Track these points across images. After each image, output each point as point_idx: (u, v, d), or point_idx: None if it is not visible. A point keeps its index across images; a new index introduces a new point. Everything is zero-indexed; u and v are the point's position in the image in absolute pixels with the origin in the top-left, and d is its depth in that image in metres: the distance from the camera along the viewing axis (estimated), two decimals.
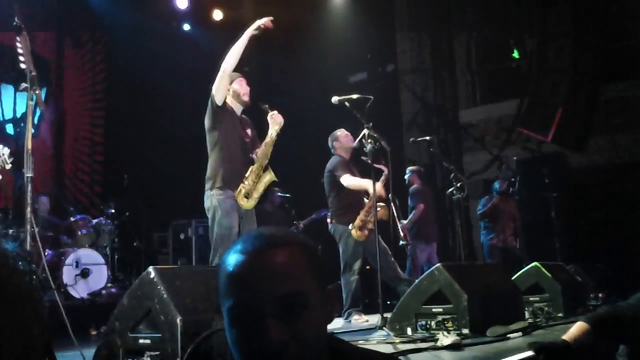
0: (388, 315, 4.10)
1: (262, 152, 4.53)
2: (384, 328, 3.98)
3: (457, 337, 3.30)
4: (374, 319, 4.20)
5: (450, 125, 10.49)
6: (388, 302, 5.44)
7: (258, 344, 0.97)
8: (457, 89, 10.90)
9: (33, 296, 0.78)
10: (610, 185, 9.16)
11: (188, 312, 2.48)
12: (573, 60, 9.91)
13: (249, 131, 4.66)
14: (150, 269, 2.60)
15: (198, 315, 2.51)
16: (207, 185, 4.40)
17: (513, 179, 7.67)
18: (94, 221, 7.36)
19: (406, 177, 7.59)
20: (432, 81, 10.52)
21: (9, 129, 8.80)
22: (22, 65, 3.21)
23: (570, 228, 8.47)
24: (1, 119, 8.77)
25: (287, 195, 7.68)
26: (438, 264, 3.97)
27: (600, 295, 6.32)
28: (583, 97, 9.98)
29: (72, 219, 7.24)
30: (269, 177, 4.48)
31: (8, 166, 3.47)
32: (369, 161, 5.63)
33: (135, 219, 8.54)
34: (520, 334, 3.70)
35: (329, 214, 5.73)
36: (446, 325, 3.70)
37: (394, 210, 6.16)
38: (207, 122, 4.49)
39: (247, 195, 4.39)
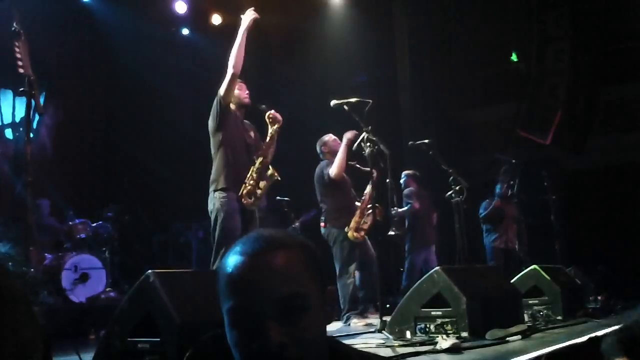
0: (387, 318, 4.11)
1: (263, 151, 4.56)
2: (383, 331, 3.98)
3: (457, 341, 3.30)
4: (373, 323, 4.20)
5: (450, 128, 10.50)
6: (387, 306, 5.44)
7: (257, 346, 0.97)
8: (456, 92, 10.91)
9: (25, 299, 0.78)
10: (610, 188, 9.17)
11: (187, 316, 2.48)
12: (572, 62, 9.92)
13: (252, 134, 4.70)
14: (150, 272, 2.60)
15: (197, 319, 2.51)
16: (211, 187, 4.43)
17: (512, 182, 7.67)
18: (93, 225, 7.36)
19: (402, 181, 7.62)
20: (431, 84, 10.52)
21: (8, 133, 8.80)
22: (21, 70, 3.22)
23: (570, 230, 8.47)
24: (0, 124, 8.77)
25: (286, 198, 7.68)
26: (437, 267, 3.97)
27: (599, 297, 6.32)
28: (582, 99, 10.00)
29: (71, 223, 7.24)
30: (270, 175, 4.50)
31: None
32: (357, 166, 5.74)
33: (134, 223, 8.54)
34: (519, 337, 3.70)
35: (322, 218, 5.76)
36: (445, 328, 3.71)
37: (394, 198, 6.20)
38: (211, 124, 4.52)
39: (250, 195, 4.41)
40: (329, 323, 1.02)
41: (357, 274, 5.70)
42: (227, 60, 4.45)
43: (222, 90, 4.44)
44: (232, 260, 1.02)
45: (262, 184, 4.47)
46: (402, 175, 7.67)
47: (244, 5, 9.36)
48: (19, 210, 6.15)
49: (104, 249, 7.36)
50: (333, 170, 5.57)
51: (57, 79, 9.24)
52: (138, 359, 2.51)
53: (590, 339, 3.31)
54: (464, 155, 9.85)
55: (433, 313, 3.80)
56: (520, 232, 7.73)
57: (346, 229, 5.58)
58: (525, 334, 3.77)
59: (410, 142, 6.13)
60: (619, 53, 9.80)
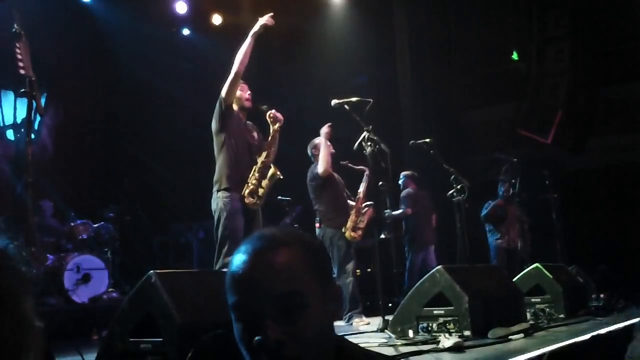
0: (389, 317, 4.10)
1: (264, 151, 4.57)
2: (385, 330, 3.99)
3: (459, 339, 3.29)
4: (376, 322, 4.20)
5: (450, 128, 10.50)
6: (389, 305, 5.44)
7: (257, 342, 0.98)
8: (456, 92, 10.91)
9: (13, 298, 0.78)
10: (611, 187, 9.17)
11: (188, 316, 2.48)
12: (572, 62, 9.92)
13: (254, 134, 4.72)
14: (151, 273, 2.60)
15: (198, 319, 2.51)
16: (214, 187, 4.45)
17: (513, 181, 7.68)
18: (95, 226, 7.36)
19: (400, 182, 7.63)
20: (432, 84, 10.52)
21: (10, 134, 8.81)
22: (22, 71, 3.22)
23: (571, 229, 8.47)
24: (1, 125, 8.78)
25: (288, 198, 7.69)
26: (439, 266, 3.97)
27: (601, 296, 6.31)
28: (582, 99, 10.00)
29: (72, 224, 7.25)
30: (272, 174, 4.50)
31: None
32: (350, 165, 5.88)
33: (135, 223, 8.54)
34: (521, 335, 3.70)
35: (317, 219, 5.78)
36: (447, 327, 3.71)
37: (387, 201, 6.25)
38: (214, 125, 4.53)
39: (253, 195, 4.42)
40: (335, 321, 1.03)
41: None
42: (232, 61, 4.46)
43: (223, 91, 4.45)
44: (236, 258, 1.05)
45: (264, 183, 4.49)
46: (401, 176, 7.68)
47: (243, 6, 9.41)
48: (20, 211, 6.16)
49: (106, 249, 7.36)
50: (319, 167, 5.61)
51: (57, 80, 9.24)
52: (140, 359, 2.51)
53: (592, 337, 3.31)
54: (465, 155, 9.86)
55: (435, 312, 3.80)
56: (524, 232, 7.73)
57: (343, 229, 5.62)
58: (527, 333, 3.77)
59: (411, 142, 6.14)
60: (619, 53, 9.80)
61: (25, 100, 3.21)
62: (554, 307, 4.88)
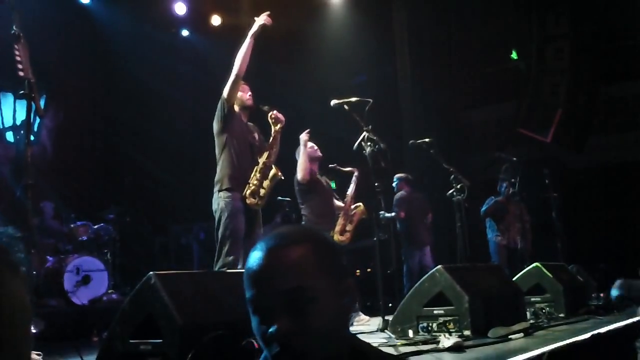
0: (389, 317, 4.10)
1: (266, 152, 4.58)
2: (385, 330, 3.98)
3: (459, 339, 3.29)
4: (376, 322, 4.20)
5: (450, 127, 10.50)
6: (390, 305, 5.44)
7: (269, 334, 1.06)
8: (456, 91, 10.91)
9: (9, 276, 0.79)
10: (611, 186, 9.17)
11: (189, 317, 2.47)
12: (572, 61, 9.92)
13: (256, 135, 4.72)
14: (151, 274, 2.60)
15: (199, 320, 2.51)
16: (215, 188, 4.45)
17: (513, 180, 7.67)
18: (95, 227, 7.36)
19: (394, 184, 7.67)
20: (432, 83, 10.52)
21: (9, 136, 8.81)
22: (21, 73, 3.22)
23: (572, 228, 8.46)
24: (1, 127, 8.78)
25: (288, 199, 7.69)
26: (439, 266, 3.96)
27: (602, 295, 6.31)
28: (582, 97, 10.00)
29: (72, 225, 7.24)
30: (273, 175, 4.51)
31: None
32: (338, 167, 5.92)
33: (135, 224, 8.54)
34: (522, 334, 3.70)
35: (303, 223, 5.78)
36: (448, 327, 3.70)
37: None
38: (215, 125, 4.53)
39: (254, 195, 4.43)
40: (348, 314, 1.06)
41: None
42: (233, 62, 4.46)
43: (225, 92, 4.45)
44: (252, 255, 1.12)
45: (265, 183, 4.49)
46: (395, 179, 7.72)
47: (243, 6, 9.41)
48: (20, 213, 6.15)
49: (106, 250, 7.36)
50: (298, 174, 5.63)
51: (57, 82, 9.25)
52: None
53: (592, 336, 3.31)
54: (465, 154, 9.86)
55: (435, 312, 3.80)
56: (525, 231, 7.73)
57: (331, 233, 5.62)
58: (527, 332, 3.77)
59: (410, 141, 6.14)
60: (618, 51, 9.80)
61: (24, 101, 3.21)
62: (554, 306, 4.87)
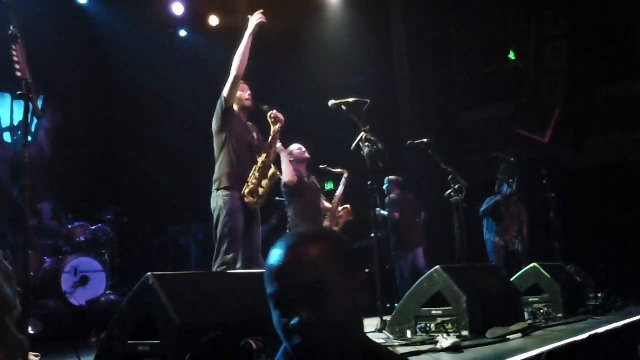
0: (387, 318, 4.10)
1: (265, 151, 4.58)
2: (383, 331, 3.98)
3: (457, 339, 3.29)
4: (374, 322, 4.20)
5: (448, 127, 10.50)
6: (387, 305, 5.44)
7: (290, 326, 1.15)
8: (454, 91, 10.91)
9: None
10: (609, 185, 9.18)
11: (187, 317, 2.47)
12: (570, 61, 9.93)
13: (254, 134, 4.73)
14: (149, 275, 2.60)
15: (197, 320, 2.51)
16: (214, 186, 4.46)
17: (511, 180, 7.68)
18: (92, 228, 7.35)
19: (384, 187, 7.72)
20: (429, 83, 10.52)
21: (6, 137, 8.80)
22: (18, 73, 3.21)
23: (569, 228, 8.47)
24: None
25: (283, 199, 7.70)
26: (437, 266, 3.96)
27: (600, 295, 6.32)
28: (580, 97, 10.01)
29: (70, 226, 7.23)
30: (272, 174, 4.51)
31: None
32: (328, 168, 5.95)
33: (133, 225, 8.53)
34: (520, 334, 3.70)
35: (288, 226, 5.79)
36: (446, 327, 3.70)
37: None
38: (214, 125, 4.54)
39: (252, 194, 4.43)
40: (362, 308, 1.13)
41: None
42: (231, 62, 4.46)
43: (225, 92, 4.46)
44: (273, 253, 1.21)
45: (264, 182, 4.50)
46: (385, 181, 7.76)
47: (240, 6, 9.41)
48: (17, 213, 6.15)
49: (103, 251, 7.35)
50: (283, 178, 5.60)
51: (54, 82, 9.24)
52: None
53: (590, 336, 3.31)
54: (462, 155, 9.87)
55: (433, 312, 3.80)
56: (522, 231, 7.74)
57: None
58: (525, 332, 3.77)
59: (408, 142, 6.13)
60: (616, 51, 9.81)
61: (22, 102, 3.21)
62: (552, 306, 4.88)
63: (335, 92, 5.20)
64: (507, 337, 3.60)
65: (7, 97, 8.62)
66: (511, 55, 10.40)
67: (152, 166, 9.89)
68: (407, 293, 4.06)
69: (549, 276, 5.02)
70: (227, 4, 9.81)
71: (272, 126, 4.69)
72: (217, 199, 4.39)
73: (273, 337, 2.43)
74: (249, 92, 4.67)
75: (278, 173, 4.61)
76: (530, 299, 4.93)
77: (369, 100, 4.77)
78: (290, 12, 9.18)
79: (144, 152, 9.91)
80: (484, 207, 7.78)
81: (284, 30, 9.06)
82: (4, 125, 8.79)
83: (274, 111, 4.70)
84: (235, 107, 4.59)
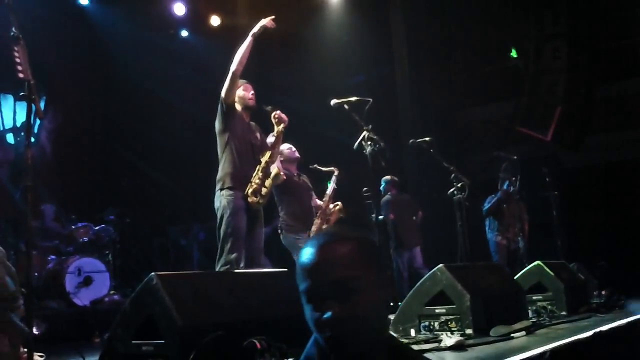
0: (391, 317, 4.10)
1: (268, 151, 4.59)
2: None
3: (461, 338, 3.29)
4: None
5: (450, 126, 10.49)
6: (391, 304, 5.43)
7: (323, 319, 1.22)
8: (455, 90, 10.90)
9: None
10: (611, 184, 9.16)
11: (190, 318, 2.47)
12: (570, 59, 9.92)
13: (257, 135, 4.74)
14: (152, 275, 2.60)
15: (200, 321, 2.51)
16: (217, 186, 4.47)
17: (514, 179, 7.68)
18: (95, 228, 7.36)
19: (381, 188, 7.76)
20: (430, 82, 10.51)
21: (9, 138, 8.81)
22: (21, 75, 3.21)
23: (572, 227, 8.46)
24: (1, 128, 8.78)
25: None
26: (440, 265, 3.96)
27: (603, 293, 6.30)
28: (581, 96, 10.00)
29: (73, 226, 7.24)
30: (275, 174, 4.52)
31: None
32: (318, 167, 5.92)
33: (136, 225, 8.54)
34: (523, 333, 3.70)
35: (279, 225, 5.79)
36: (449, 325, 3.70)
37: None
38: (217, 125, 4.55)
39: (255, 194, 4.43)
40: (387, 303, 1.21)
41: None
42: (231, 61, 4.47)
43: (223, 91, 4.46)
44: (305, 251, 1.29)
45: (267, 183, 4.50)
46: (382, 182, 7.79)
47: (241, 7, 9.40)
48: (19, 215, 6.15)
49: (107, 252, 7.36)
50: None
51: (56, 84, 9.25)
52: None
53: (594, 334, 3.31)
54: (464, 153, 9.86)
55: (437, 311, 3.80)
56: (523, 230, 7.73)
57: (308, 234, 5.65)
58: (529, 330, 3.77)
59: (410, 141, 6.14)
60: (617, 50, 9.79)
61: (24, 103, 3.21)
62: (555, 304, 4.87)
63: (336, 92, 5.20)
64: (511, 335, 3.60)
65: (10, 99, 8.63)
66: (513, 54, 10.39)
67: (153, 167, 9.89)
68: (410, 292, 4.06)
69: (552, 274, 5.01)
70: (228, 4, 9.82)
71: (276, 127, 4.70)
72: (221, 199, 4.40)
73: (275, 337, 2.44)
74: (252, 92, 4.68)
75: (281, 174, 4.62)
76: (533, 297, 4.93)
77: (371, 100, 4.77)
78: (290, 12, 9.17)
79: (145, 152, 9.92)
80: (486, 206, 7.78)
81: (284, 30, 9.03)
82: (7, 127, 8.80)
83: (278, 112, 4.71)
84: (238, 107, 4.59)
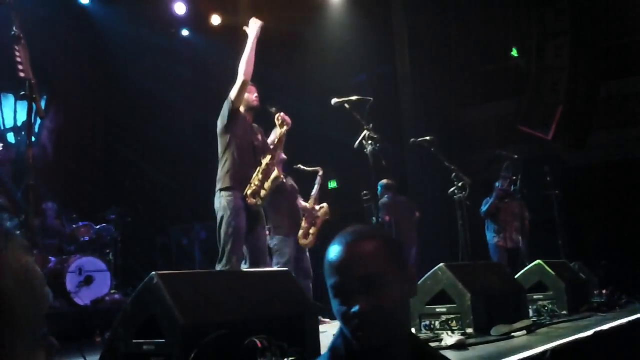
0: None
1: (270, 153, 4.59)
2: None
3: (461, 337, 3.29)
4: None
5: (451, 125, 10.49)
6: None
7: (351, 313, 1.28)
8: (456, 89, 10.89)
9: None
10: (612, 182, 9.15)
11: (191, 317, 2.47)
12: (572, 58, 9.90)
13: (259, 136, 4.74)
14: (153, 274, 2.60)
15: (201, 320, 2.51)
16: (217, 187, 4.46)
17: (514, 177, 7.67)
18: (96, 228, 7.37)
19: (378, 191, 7.77)
20: (432, 81, 10.51)
21: (10, 137, 8.82)
22: (22, 74, 3.21)
23: (573, 225, 8.46)
24: (2, 128, 8.79)
25: None
26: (441, 264, 3.96)
27: (604, 292, 6.30)
28: (582, 94, 9.98)
29: (74, 225, 7.25)
30: (275, 176, 4.52)
31: None
32: (301, 167, 5.94)
33: (137, 225, 8.55)
34: (524, 332, 3.70)
35: (267, 227, 5.79)
36: (450, 324, 3.70)
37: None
38: (219, 125, 4.55)
39: (255, 195, 4.43)
40: (410, 297, 1.26)
41: None
42: (237, 66, 4.47)
43: (232, 95, 4.46)
44: (333, 247, 1.34)
45: (266, 185, 4.50)
46: (379, 185, 7.80)
47: (242, 6, 9.39)
48: (21, 214, 6.15)
49: (108, 251, 7.36)
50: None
51: (57, 83, 9.25)
52: None
53: (595, 333, 3.31)
54: (465, 152, 9.85)
55: (437, 310, 3.80)
56: (524, 229, 7.72)
57: (294, 237, 5.67)
58: (530, 329, 3.77)
59: (411, 139, 6.13)
60: (618, 48, 9.78)
61: (25, 103, 3.21)
62: (556, 303, 4.87)
63: (337, 91, 5.20)
64: (512, 334, 3.60)
65: (11, 98, 8.64)
66: (514, 53, 10.38)
67: (154, 166, 9.90)
68: None
69: (553, 273, 5.01)
70: (229, 3, 9.82)
71: (278, 128, 4.70)
72: (220, 200, 4.40)
73: (276, 336, 2.44)
74: (256, 93, 4.68)
75: (281, 176, 4.62)
76: (534, 296, 4.92)
77: (371, 99, 4.76)
78: (291, 12, 9.17)
79: (146, 152, 9.92)
80: (483, 208, 7.77)
81: (286, 29, 9.05)
82: (7, 126, 8.81)
83: (282, 114, 4.71)
84: (241, 108, 4.60)
